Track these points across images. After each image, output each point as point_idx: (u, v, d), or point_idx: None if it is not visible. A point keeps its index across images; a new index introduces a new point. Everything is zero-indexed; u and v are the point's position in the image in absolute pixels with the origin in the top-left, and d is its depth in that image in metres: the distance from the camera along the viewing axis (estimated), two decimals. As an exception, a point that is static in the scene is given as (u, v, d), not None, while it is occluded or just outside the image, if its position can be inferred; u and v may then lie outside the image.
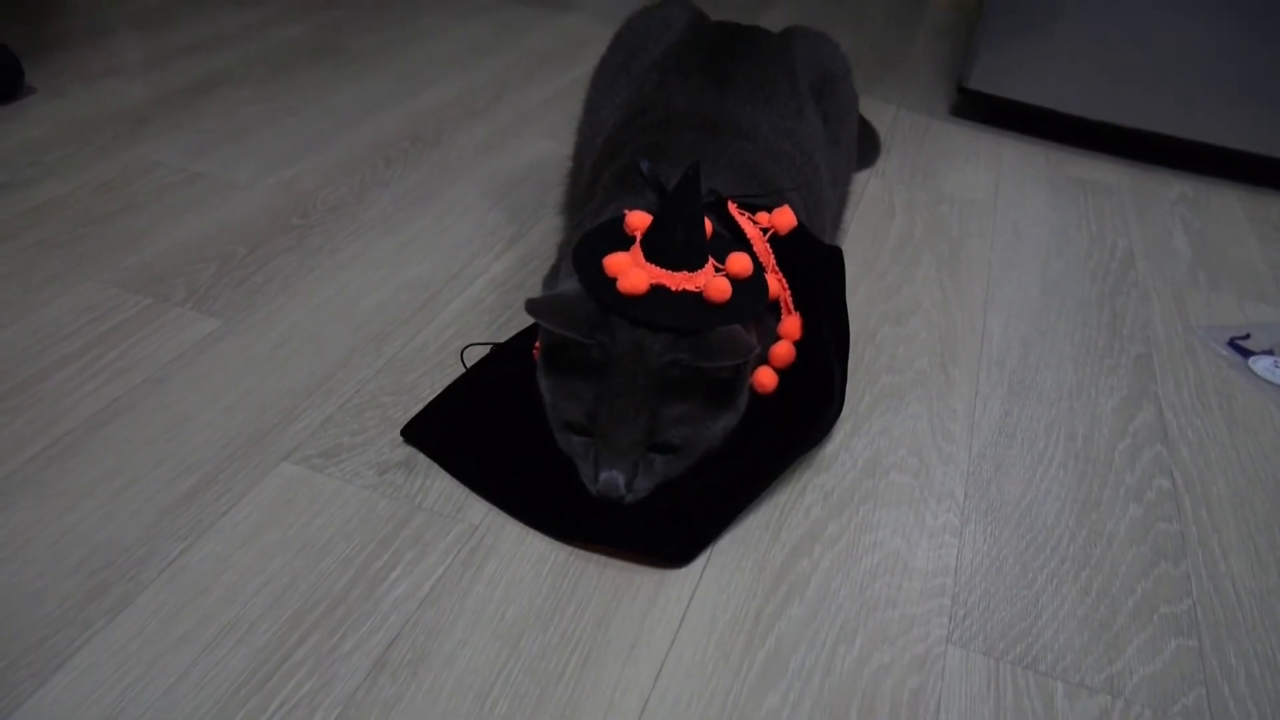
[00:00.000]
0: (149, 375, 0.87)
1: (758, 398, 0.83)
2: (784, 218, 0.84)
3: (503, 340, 0.94)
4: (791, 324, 0.84)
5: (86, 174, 1.20)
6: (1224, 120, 1.43)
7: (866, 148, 1.42)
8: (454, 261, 1.09)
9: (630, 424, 0.72)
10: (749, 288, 0.77)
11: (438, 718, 0.61)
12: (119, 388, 0.85)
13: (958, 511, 0.82)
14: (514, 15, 1.94)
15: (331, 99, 1.47)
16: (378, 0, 1.92)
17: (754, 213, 0.86)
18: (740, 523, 0.78)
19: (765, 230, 0.85)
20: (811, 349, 0.85)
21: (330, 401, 0.87)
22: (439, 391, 0.87)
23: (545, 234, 1.17)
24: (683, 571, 0.74)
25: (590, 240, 0.78)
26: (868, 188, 1.36)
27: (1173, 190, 1.45)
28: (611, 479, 0.73)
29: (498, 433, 0.82)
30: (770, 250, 0.84)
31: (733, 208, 0.84)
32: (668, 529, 0.75)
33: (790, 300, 0.85)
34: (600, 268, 0.74)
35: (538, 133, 1.43)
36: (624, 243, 0.77)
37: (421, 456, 0.81)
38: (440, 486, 0.79)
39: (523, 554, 0.74)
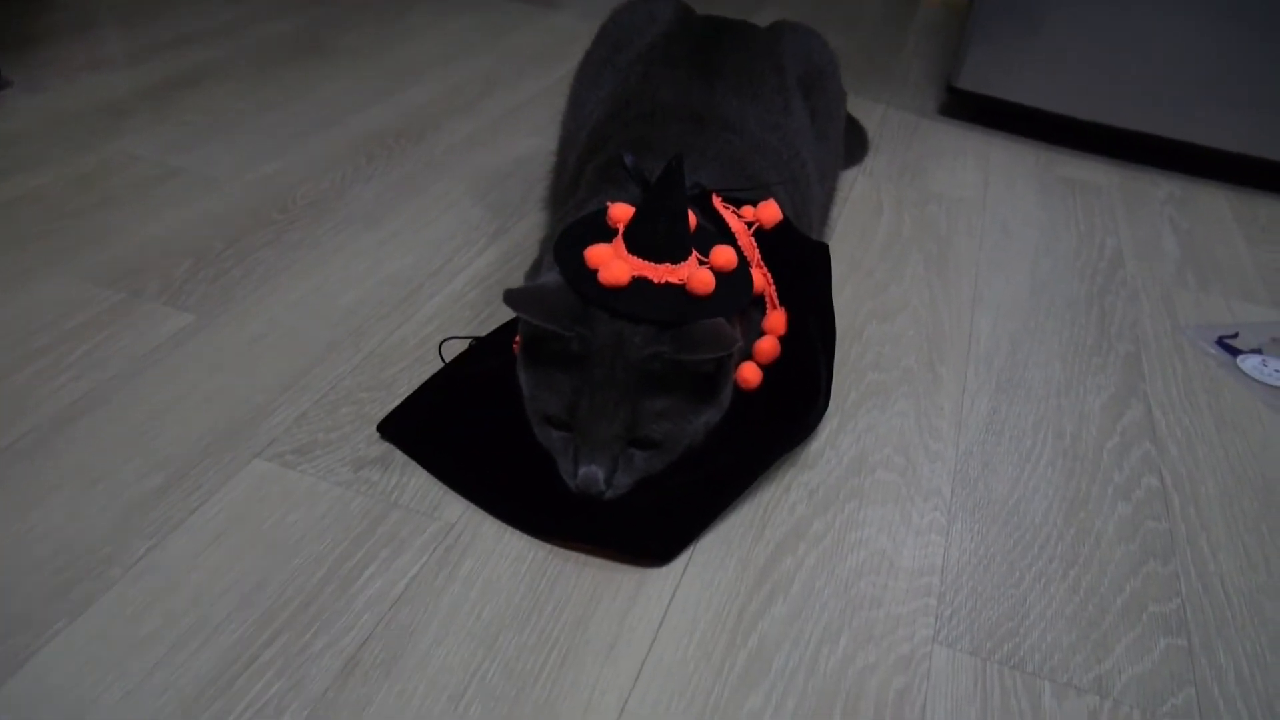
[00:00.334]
0: (120, 370, 0.85)
1: (742, 394, 0.81)
2: (769, 211, 0.83)
3: (483, 335, 0.92)
4: (776, 319, 0.83)
5: (62, 167, 1.18)
6: (1211, 120, 1.43)
7: (854, 145, 1.41)
8: (436, 257, 1.08)
9: (610, 418, 0.70)
10: (733, 281, 0.76)
11: (410, 719, 0.60)
12: (89, 383, 0.84)
13: (944, 509, 0.81)
14: (502, 13, 1.93)
15: (315, 94, 1.46)
16: (364, -3, 1.90)
17: (739, 207, 0.84)
18: (723, 520, 0.77)
19: (750, 224, 0.83)
20: (797, 345, 0.84)
21: (305, 397, 0.85)
22: (417, 387, 0.86)
23: (529, 230, 1.15)
24: (664, 570, 0.72)
25: (572, 232, 0.76)
26: (855, 186, 1.35)
27: (1161, 190, 1.45)
28: (590, 474, 0.71)
29: (476, 428, 0.81)
30: (755, 244, 0.83)
31: (717, 201, 0.83)
32: (649, 526, 0.73)
33: (775, 295, 0.84)
34: (581, 259, 0.73)
35: (524, 130, 1.42)
36: (606, 235, 0.75)
37: (398, 453, 0.79)
38: (416, 484, 0.77)
39: (500, 552, 0.72)
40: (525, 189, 1.25)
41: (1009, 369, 1.00)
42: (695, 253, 0.75)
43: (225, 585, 0.67)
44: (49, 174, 1.16)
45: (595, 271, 0.72)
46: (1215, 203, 1.42)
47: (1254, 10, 1.34)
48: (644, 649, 0.66)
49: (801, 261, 0.86)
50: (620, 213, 0.76)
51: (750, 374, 0.81)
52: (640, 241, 0.73)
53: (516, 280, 1.04)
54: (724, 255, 0.75)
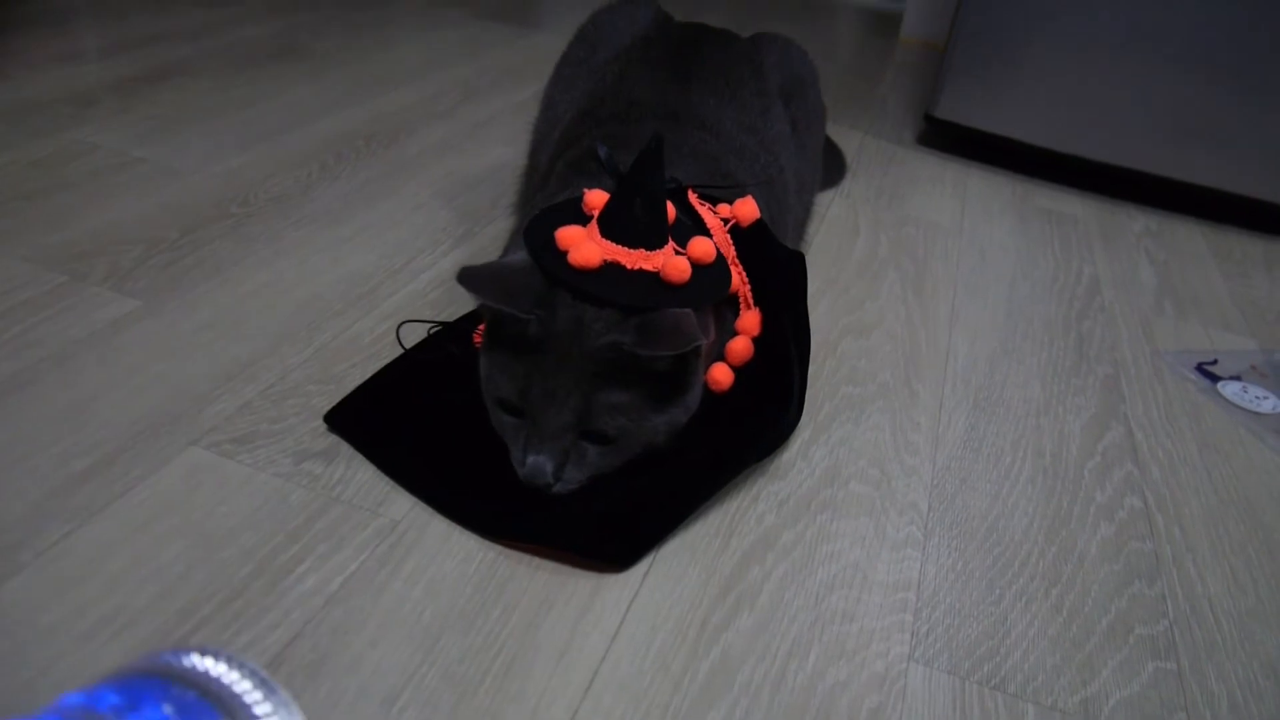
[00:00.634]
0: (54, 352, 0.80)
1: (712, 395, 0.77)
2: (746, 208, 0.80)
3: (446, 321, 0.88)
4: (750, 319, 0.79)
5: (16, 152, 1.13)
6: (1186, 155, 1.43)
7: (831, 167, 1.39)
8: (399, 255, 1.04)
9: (560, 406, 0.66)
10: (710, 273, 0.72)
11: (336, 724, 0.54)
12: (18, 363, 0.78)
13: (920, 524, 0.77)
14: (483, 30, 1.91)
15: (287, 95, 1.42)
16: (348, 9, 1.88)
17: (714, 205, 0.82)
18: (687, 528, 0.72)
19: (726, 221, 0.80)
20: (771, 347, 0.80)
21: (250, 388, 0.80)
22: (370, 376, 0.81)
23: (497, 234, 1.12)
24: (622, 576, 0.67)
25: (544, 216, 0.73)
26: (831, 207, 1.33)
27: (1137, 224, 1.44)
28: (538, 464, 0.67)
29: (430, 420, 0.76)
30: (731, 242, 0.80)
31: (693, 197, 0.80)
32: (608, 529, 0.69)
33: (750, 295, 0.80)
34: (552, 239, 0.69)
35: (498, 138, 1.39)
36: (581, 220, 0.72)
37: (344, 447, 0.75)
38: (362, 478, 0.72)
39: (447, 551, 0.67)
40: (495, 195, 1.21)
41: (987, 387, 0.97)
42: (672, 242, 0.71)
43: (145, 575, 0.61)
44: (2, 158, 1.11)
45: (565, 253, 0.68)
46: (1191, 237, 1.42)
47: (1224, 48, 1.35)
48: (597, 657, 0.61)
49: (776, 267, 0.83)
50: (596, 199, 0.73)
51: (722, 375, 0.77)
52: (614, 225, 0.69)
53: (482, 281, 1.00)
54: (702, 247, 0.72)
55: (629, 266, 0.68)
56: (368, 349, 0.87)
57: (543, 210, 0.74)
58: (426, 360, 0.82)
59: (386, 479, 0.72)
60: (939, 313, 1.09)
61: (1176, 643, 0.69)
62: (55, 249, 0.95)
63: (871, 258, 1.20)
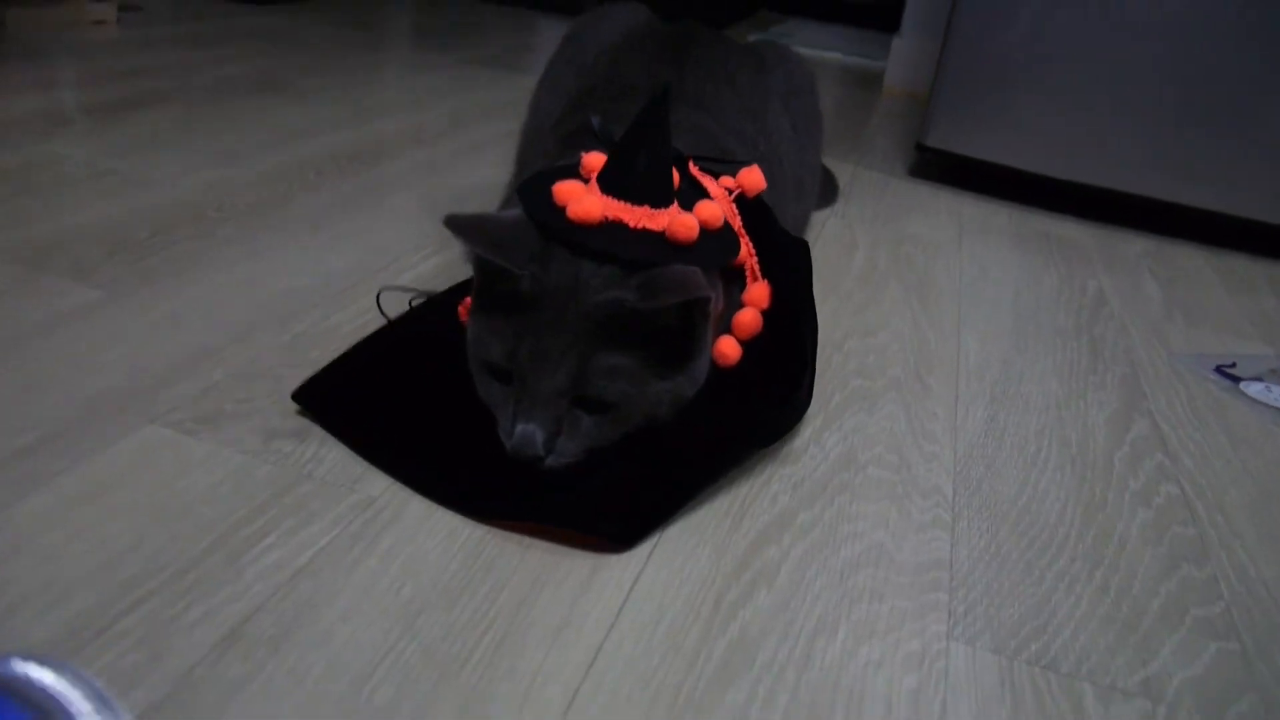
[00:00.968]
0: (8, 335, 0.74)
1: (717, 373, 0.72)
2: (752, 178, 0.76)
3: (430, 293, 0.82)
4: (759, 291, 0.74)
5: (-20, 162, 1.09)
6: (1185, 179, 1.42)
7: (825, 189, 1.37)
8: (380, 258, 0.99)
9: (553, 368, 0.60)
10: (719, 236, 0.68)
11: (298, 703, 0.47)
12: (-38, 345, 0.72)
13: (947, 507, 0.71)
14: (471, 74, 1.91)
15: (270, 121, 1.39)
16: (336, 54, 1.88)
17: (716, 178, 0.78)
18: (692, 510, 0.66)
19: (731, 192, 0.76)
20: (778, 326, 0.75)
21: (217, 370, 0.74)
22: (344, 351, 0.75)
23: (486, 242, 1.07)
24: (623, 556, 0.61)
25: (541, 175, 0.68)
26: (827, 226, 1.30)
27: (1136, 246, 1.42)
28: (527, 433, 0.61)
29: (409, 397, 0.70)
30: (737, 212, 0.75)
31: (694, 168, 0.76)
32: (606, 506, 0.62)
33: (758, 267, 0.75)
34: (549, 194, 0.64)
35: (486, 162, 1.36)
36: (580, 180, 0.67)
37: (317, 427, 0.68)
38: (337, 456, 0.66)
39: (429, 529, 0.60)
40: (482, 209, 1.17)
41: (1002, 382, 0.92)
42: (677, 204, 0.67)
43: (86, 548, 0.54)
44: (-36, 166, 1.06)
45: (563, 208, 0.63)
46: (1192, 258, 1.40)
47: (1219, 72, 1.36)
48: (599, 636, 0.54)
49: (780, 252, 0.79)
50: (595, 160, 0.68)
51: (729, 349, 0.72)
52: (617, 181, 0.64)
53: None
54: (709, 210, 0.67)
55: (632, 224, 0.64)
56: (347, 338, 0.81)
57: (538, 172, 0.70)
58: (406, 334, 0.76)
59: (363, 459, 0.65)
60: (945, 317, 1.05)
61: (1237, 624, 0.62)
62: (17, 246, 0.89)
63: (871, 270, 1.17)
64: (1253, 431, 0.89)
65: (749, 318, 0.73)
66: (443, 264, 0.99)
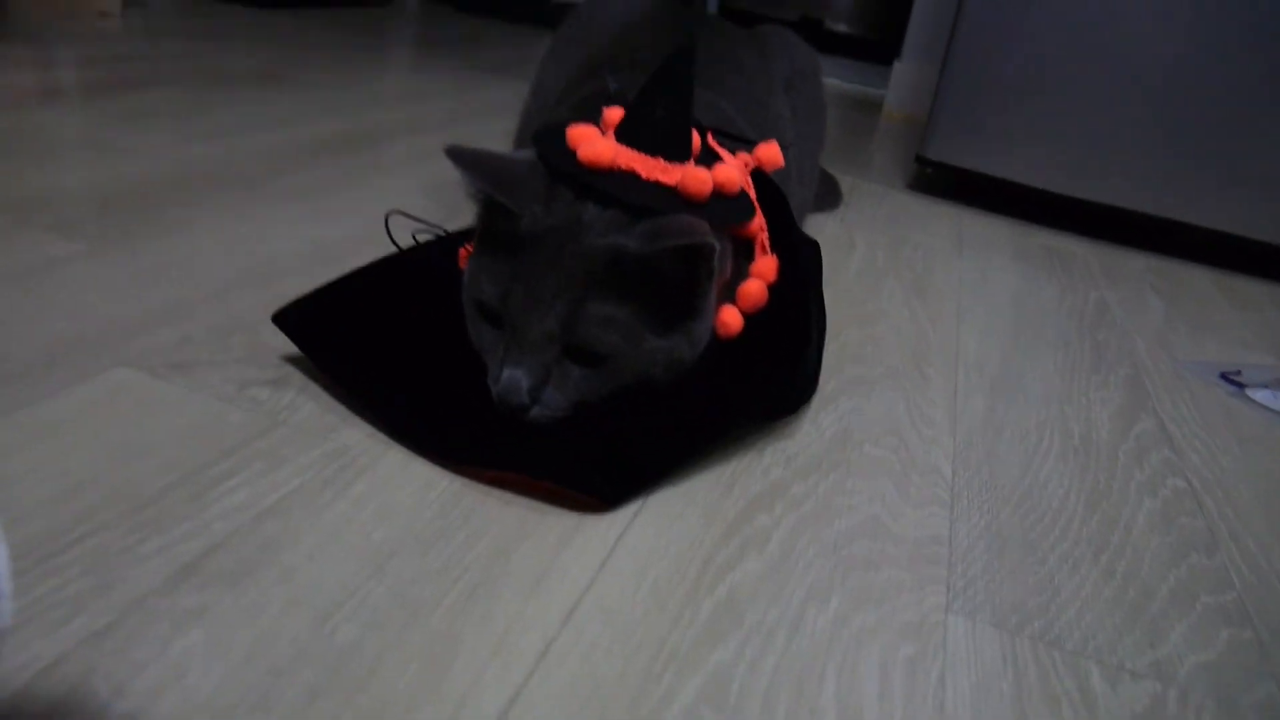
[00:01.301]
0: (-27, 280, 0.71)
1: (717, 344, 0.69)
2: (770, 153, 0.74)
3: (441, 231, 0.80)
4: (767, 264, 0.71)
5: (-32, 124, 1.07)
6: (1186, 196, 1.41)
7: (827, 193, 1.36)
8: (371, 227, 0.96)
9: (544, 312, 0.58)
10: (732, 199, 0.66)
11: (253, 635, 0.43)
12: (-71, 285, 0.69)
13: (946, 487, 0.68)
14: (472, 76, 1.91)
15: (267, 106, 1.38)
16: (339, 52, 1.88)
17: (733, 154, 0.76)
18: (683, 477, 0.63)
19: (748, 167, 0.74)
20: (786, 296, 0.72)
21: (193, 322, 0.71)
22: (337, 277, 0.71)
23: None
24: (607, 515, 0.58)
25: (558, 124, 0.66)
26: (826, 226, 1.29)
27: (1138, 262, 1.41)
28: (513, 379, 0.58)
29: (396, 331, 0.67)
30: (753, 185, 0.73)
31: (712, 140, 0.74)
32: (595, 462, 0.59)
33: (768, 240, 0.73)
34: (562, 136, 0.62)
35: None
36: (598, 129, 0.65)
37: (295, 376, 0.65)
38: (313, 407, 0.63)
39: (405, 478, 0.57)
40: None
41: (1002, 376, 0.89)
42: (693, 162, 0.65)
43: (38, 480, 0.51)
44: (-50, 127, 1.04)
45: (574, 151, 0.61)
46: (1195, 276, 1.38)
47: (1223, 88, 1.36)
48: (579, 588, 0.51)
49: (791, 251, 0.76)
50: (615, 115, 0.66)
51: (731, 318, 0.69)
52: (633, 130, 0.62)
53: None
54: (726, 172, 0.65)
55: (644, 175, 0.62)
56: (331, 301, 0.79)
57: (555, 121, 0.67)
58: (404, 269, 0.73)
59: (341, 409, 0.63)
60: (944, 313, 1.03)
61: (1250, 613, 0.60)
62: (-4, 199, 0.87)
63: (869, 267, 1.15)
64: (1262, 433, 0.87)
65: (754, 288, 0.70)
66: (435, 240, 0.97)
